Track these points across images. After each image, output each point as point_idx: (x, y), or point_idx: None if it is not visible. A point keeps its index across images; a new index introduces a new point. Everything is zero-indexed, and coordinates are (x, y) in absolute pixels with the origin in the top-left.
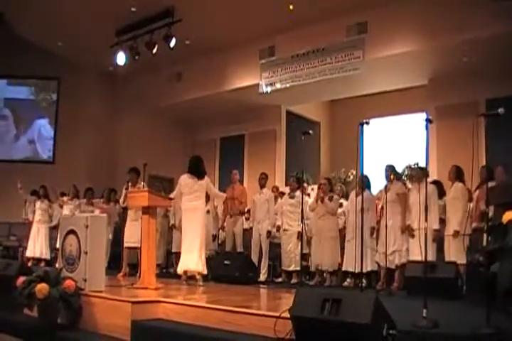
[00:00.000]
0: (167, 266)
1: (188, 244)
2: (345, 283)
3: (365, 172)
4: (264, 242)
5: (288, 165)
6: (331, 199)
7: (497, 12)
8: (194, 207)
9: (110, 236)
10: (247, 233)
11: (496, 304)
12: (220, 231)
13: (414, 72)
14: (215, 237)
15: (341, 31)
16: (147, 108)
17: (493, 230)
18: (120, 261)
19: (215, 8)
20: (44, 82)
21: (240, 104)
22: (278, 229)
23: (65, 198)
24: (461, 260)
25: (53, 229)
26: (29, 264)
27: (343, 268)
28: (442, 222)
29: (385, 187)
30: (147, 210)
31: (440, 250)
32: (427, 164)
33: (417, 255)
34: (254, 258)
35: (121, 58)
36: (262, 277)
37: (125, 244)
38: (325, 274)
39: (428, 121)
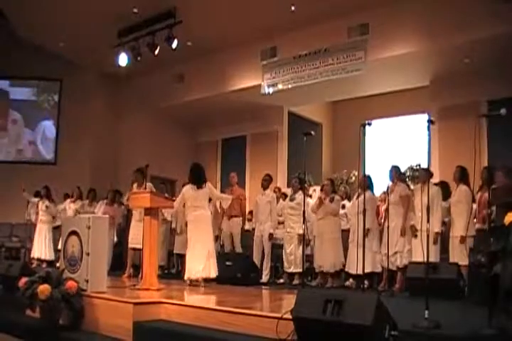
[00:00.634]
0: (169, 267)
1: (196, 254)
2: (347, 283)
3: (367, 173)
4: (267, 243)
5: (290, 166)
6: (332, 200)
7: (498, 13)
8: (199, 217)
9: (115, 239)
10: (248, 234)
11: (498, 305)
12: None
13: (416, 73)
14: (217, 238)
15: (343, 32)
16: (149, 109)
17: (496, 231)
18: (123, 262)
19: (216, 10)
20: (46, 83)
21: (242, 105)
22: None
23: (68, 200)
24: (464, 261)
25: (56, 230)
26: (33, 265)
27: (346, 269)
28: (445, 224)
29: (388, 188)
30: (149, 211)
31: (444, 251)
32: (428, 165)
33: (420, 256)
34: (256, 259)
35: (123, 59)
36: (265, 278)
37: (129, 245)
38: (326, 276)
39: (430, 122)
